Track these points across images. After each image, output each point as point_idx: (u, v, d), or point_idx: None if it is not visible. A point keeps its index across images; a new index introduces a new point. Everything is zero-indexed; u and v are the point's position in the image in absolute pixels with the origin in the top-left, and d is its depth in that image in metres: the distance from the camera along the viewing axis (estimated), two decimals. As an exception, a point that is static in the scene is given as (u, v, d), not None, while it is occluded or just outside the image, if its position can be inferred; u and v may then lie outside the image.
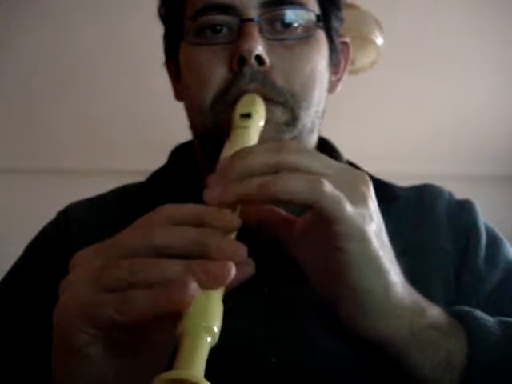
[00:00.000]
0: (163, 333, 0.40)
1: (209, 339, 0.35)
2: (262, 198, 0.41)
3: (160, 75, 0.71)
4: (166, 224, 0.39)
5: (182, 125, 0.64)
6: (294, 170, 0.41)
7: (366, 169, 0.58)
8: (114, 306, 0.35)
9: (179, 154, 0.69)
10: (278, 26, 0.57)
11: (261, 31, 0.56)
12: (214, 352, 0.35)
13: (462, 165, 2.68)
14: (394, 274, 0.44)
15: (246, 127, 0.51)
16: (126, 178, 0.75)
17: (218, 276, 0.36)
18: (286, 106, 0.57)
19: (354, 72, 1.82)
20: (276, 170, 0.41)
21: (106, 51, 2.17)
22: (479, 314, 0.49)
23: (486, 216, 0.65)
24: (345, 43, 0.68)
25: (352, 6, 1.61)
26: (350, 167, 0.46)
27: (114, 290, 0.36)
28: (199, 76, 0.58)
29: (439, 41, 2.15)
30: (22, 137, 2.57)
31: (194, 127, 0.63)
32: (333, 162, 0.44)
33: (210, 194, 0.41)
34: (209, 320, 0.35)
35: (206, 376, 0.33)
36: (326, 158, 0.44)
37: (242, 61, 0.55)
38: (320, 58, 0.60)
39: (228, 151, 0.47)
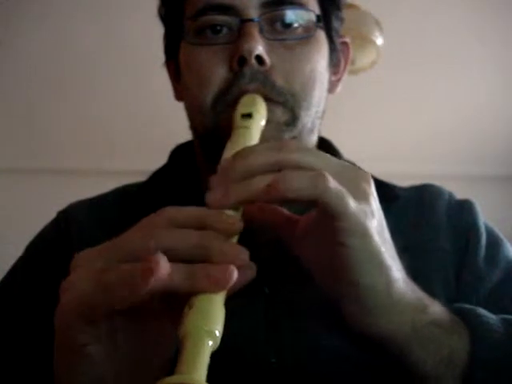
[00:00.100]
0: (163, 333, 0.40)
1: (210, 343, 0.35)
2: (269, 199, 0.41)
3: (160, 75, 0.71)
4: (167, 226, 0.39)
5: (182, 125, 0.64)
6: (296, 167, 0.41)
7: (365, 169, 0.58)
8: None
9: (179, 154, 0.69)
10: (278, 26, 0.58)
11: (261, 31, 0.56)
12: (214, 353, 0.35)
13: (461, 165, 2.68)
14: (396, 270, 0.44)
15: (247, 127, 0.51)
16: (126, 178, 0.75)
17: (220, 280, 0.36)
18: (286, 105, 0.57)
19: (353, 72, 1.82)
20: (278, 168, 0.41)
21: (106, 51, 2.17)
22: (482, 311, 0.49)
23: (486, 216, 0.65)
24: (345, 43, 0.68)
25: (352, 6, 1.61)
26: (350, 165, 0.46)
27: None
28: (199, 76, 0.58)
29: (439, 41, 2.15)
30: (22, 137, 2.57)
31: (194, 127, 0.63)
32: (334, 160, 0.44)
33: (212, 196, 0.41)
34: (211, 324, 0.35)
35: (206, 376, 0.33)
36: (327, 156, 0.44)
37: (242, 61, 0.55)
38: (320, 58, 0.60)
39: (229, 151, 0.47)
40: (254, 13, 0.56)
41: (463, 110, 2.47)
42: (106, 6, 1.98)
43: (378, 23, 1.74)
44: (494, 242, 0.62)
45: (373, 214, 0.43)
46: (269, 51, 0.56)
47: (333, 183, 0.40)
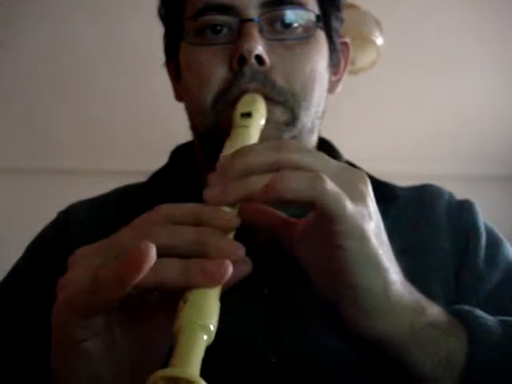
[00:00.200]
0: (160, 329, 0.40)
1: (205, 337, 0.35)
2: (266, 198, 0.41)
3: (160, 75, 0.71)
4: (164, 223, 0.39)
5: (182, 125, 0.64)
6: (295, 168, 0.41)
7: (365, 169, 0.58)
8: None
9: (179, 154, 0.69)
10: (278, 26, 0.58)
11: (261, 31, 0.56)
12: (213, 352, 0.35)
13: (461, 165, 2.68)
14: (394, 272, 0.44)
15: (246, 126, 0.51)
16: (126, 178, 0.75)
17: (215, 274, 0.36)
18: (286, 105, 0.57)
19: (353, 72, 1.82)
20: (276, 168, 0.41)
21: (106, 51, 2.17)
22: (479, 313, 0.49)
23: (486, 216, 0.65)
24: (345, 43, 0.68)
25: (352, 6, 1.61)
26: (348, 166, 0.46)
27: None
28: (199, 76, 0.58)
29: (439, 41, 2.15)
30: (22, 137, 2.57)
31: (194, 127, 0.63)
32: (332, 161, 0.44)
33: (210, 193, 0.41)
34: (205, 318, 0.35)
35: (205, 376, 0.33)
36: (326, 157, 0.44)
37: (242, 60, 0.55)
38: (320, 58, 0.60)
39: (228, 150, 0.47)
40: (253, 13, 0.56)
41: (463, 110, 2.47)
42: (106, 6, 1.98)
43: (378, 23, 1.74)
44: (494, 243, 0.62)
45: (370, 217, 0.43)
46: (269, 51, 0.56)
47: (330, 185, 0.40)
